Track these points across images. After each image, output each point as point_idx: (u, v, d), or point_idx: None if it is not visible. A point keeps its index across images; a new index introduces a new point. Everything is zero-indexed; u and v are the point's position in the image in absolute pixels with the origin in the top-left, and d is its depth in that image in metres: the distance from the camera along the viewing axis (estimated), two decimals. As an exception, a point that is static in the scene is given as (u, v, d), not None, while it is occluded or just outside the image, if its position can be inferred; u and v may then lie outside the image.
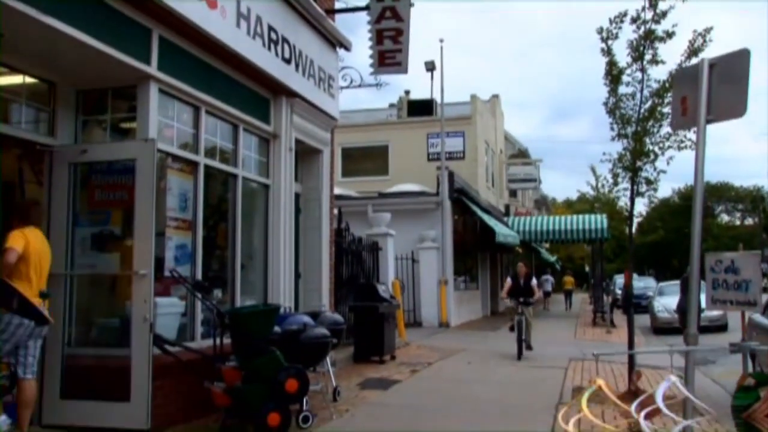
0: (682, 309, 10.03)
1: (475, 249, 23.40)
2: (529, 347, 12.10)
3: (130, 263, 5.74)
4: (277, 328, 6.37)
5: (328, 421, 6.48)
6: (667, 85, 7.92)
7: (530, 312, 12.57)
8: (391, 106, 28.83)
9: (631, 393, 2.88)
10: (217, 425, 6.01)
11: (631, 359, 7.75)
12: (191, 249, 6.79)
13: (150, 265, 5.61)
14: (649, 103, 8.17)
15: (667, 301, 18.09)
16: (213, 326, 6.66)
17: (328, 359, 7.21)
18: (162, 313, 6.25)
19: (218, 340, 6.29)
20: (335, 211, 11.06)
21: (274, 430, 5.67)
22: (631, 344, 7.75)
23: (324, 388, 7.12)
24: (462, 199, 19.49)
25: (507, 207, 29.92)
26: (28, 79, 5.79)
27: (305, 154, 9.70)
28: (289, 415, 5.84)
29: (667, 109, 7.93)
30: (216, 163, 7.32)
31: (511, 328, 12.25)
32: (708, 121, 4.85)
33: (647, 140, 8.11)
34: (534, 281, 13.03)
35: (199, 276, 6.76)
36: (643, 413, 2.51)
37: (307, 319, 6.89)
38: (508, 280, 13.15)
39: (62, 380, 5.73)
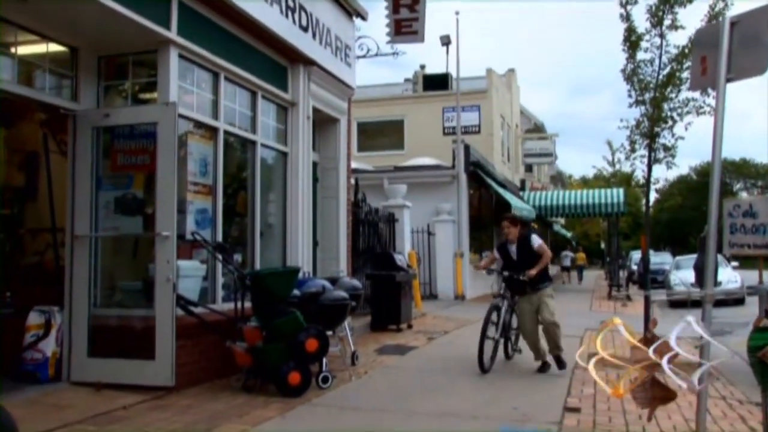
0: (699, 268, 9.94)
1: (491, 223, 23.39)
2: (515, 349, 7.97)
3: (152, 226, 5.86)
4: (296, 291, 6.48)
5: (346, 381, 6.60)
6: (686, 50, 7.87)
7: (548, 303, 7.31)
8: (407, 80, 28.66)
9: (647, 340, 2.94)
10: (239, 384, 6.14)
11: (647, 308, 7.76)
12: (212, 213, 6.89)
13: (172, 226, 5.72)
14: (668, 69, 8.15)
15: (683, 275, 18.00)
16: (234, 288, 6.79)
17: (346, 324, 7.31)
18: (184, 276, 6.36)
19: (239, 302, 6.42)
20: (352, 182, 11.11)
21: (295, 389, 5.80)
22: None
23: (342, 352, 7.24)
24: (478, 173, 19.43)
25: (522, 182, 29.80)
26: (52, 46, 5.88)
27: (322, 123, 9.74)
28: (309, 374, 5.97)
29: (686, 74, 7.90)
30: (235, 130, 7.39)
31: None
32: (728, 80, 4.82)
33: (665, 106, 8.09)
34: (538, 242, 7.46)
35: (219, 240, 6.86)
36: (666, 358, 2.57)
37: (326, 283, 6.99)
38: (494, 253, 8.07)
39: (89, 339, 5.89)
